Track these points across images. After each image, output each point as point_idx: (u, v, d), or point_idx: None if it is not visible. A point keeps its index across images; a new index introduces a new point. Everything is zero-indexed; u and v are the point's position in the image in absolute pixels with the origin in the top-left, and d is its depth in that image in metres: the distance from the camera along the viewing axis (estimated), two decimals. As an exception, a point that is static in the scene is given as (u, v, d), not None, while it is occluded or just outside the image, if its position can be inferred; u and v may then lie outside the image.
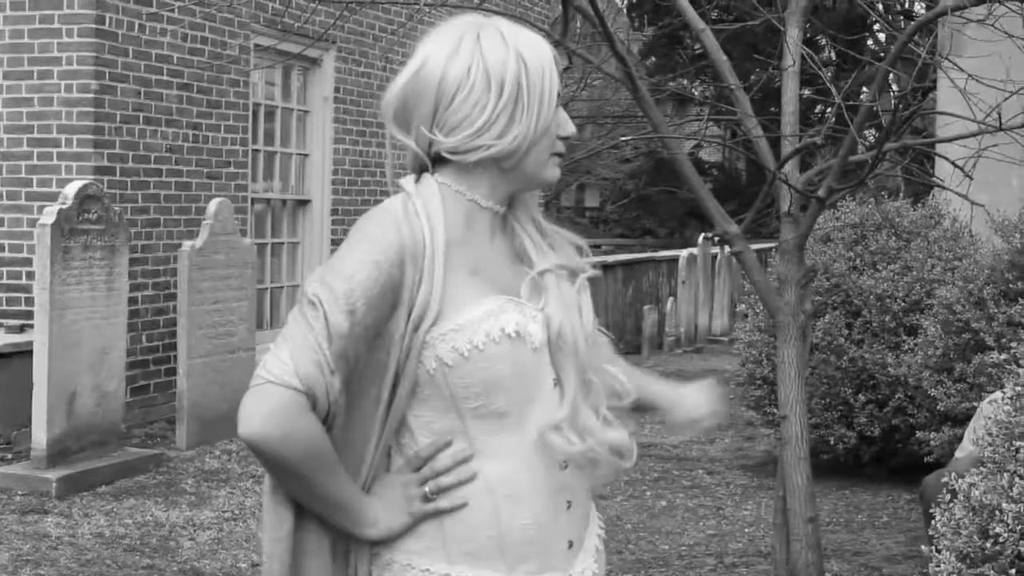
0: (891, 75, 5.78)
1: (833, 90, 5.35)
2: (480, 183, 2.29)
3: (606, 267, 16.95)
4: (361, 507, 2.23)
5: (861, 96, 16.16)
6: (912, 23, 4.96)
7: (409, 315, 2.20)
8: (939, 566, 3.19)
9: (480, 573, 2.25)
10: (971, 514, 3.18)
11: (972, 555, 3.12)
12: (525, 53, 2.27)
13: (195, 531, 7.02)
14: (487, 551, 2.25)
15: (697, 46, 22.72)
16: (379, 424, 2.24)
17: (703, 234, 18.13)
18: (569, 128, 2.32)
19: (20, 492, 7.63)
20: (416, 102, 2.29)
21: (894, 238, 8.72)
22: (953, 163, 5.56)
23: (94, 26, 9.41)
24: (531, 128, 2.25)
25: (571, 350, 2.28)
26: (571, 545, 2.32)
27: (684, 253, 17.62)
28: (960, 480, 3.39)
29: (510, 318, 2.23)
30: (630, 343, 17.06)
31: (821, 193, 5.33)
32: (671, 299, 17.04)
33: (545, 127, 2.27)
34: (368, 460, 2.25)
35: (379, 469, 2.27)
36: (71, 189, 8.03)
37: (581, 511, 2.35)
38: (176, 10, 9.91)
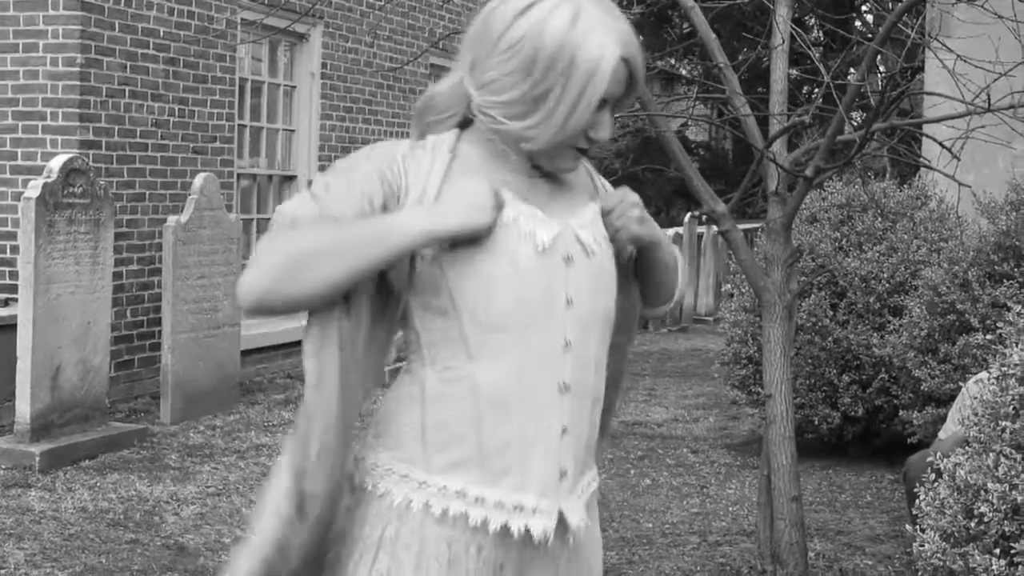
0: (879, 56, 5.78)
1: (822, 69, 5.34)
2: (508, 140, 2.29)
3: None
4: (384, 221, 2.21)
5: (849, 76, 16.16)
6: (901, 3, 4.95)
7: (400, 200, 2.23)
8: (923, 545, 3.20)
9: (459, 483, 2.23)
10: (956, 494, 3.19)
11: (956, 534, 3.13)
12: (580, 53, 2.19)
13: (179, 506, 7.01)
14: (467, 460, 2.22)
15: (685, 24, 22.68)
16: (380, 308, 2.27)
17: (689, 213, 18.13)
18: (603, 133, 2.26)
19: (3, 466, 7.61)
20: (476, 41, 2.27)
21: (880, 219, 8.73)
22: (941, 144, 5.56)
23: (80, -1, 9.36)
24: (551, 128, 2.22)
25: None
26: (564, 475, 2.26)
27: (670, 232, 17.61)
28: (945, 460, 3.40)
29: (509, 212, 2.23)
30: (615, 322, 17.08)
31: (808, 173, 5.33)
32: (657, 278, 17.02)
33: (570, 131, 2.23)
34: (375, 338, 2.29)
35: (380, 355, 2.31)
36: (56, 163, 8.00)
37: (577, 444, 2.29)
38: (163, -17, 9.86)
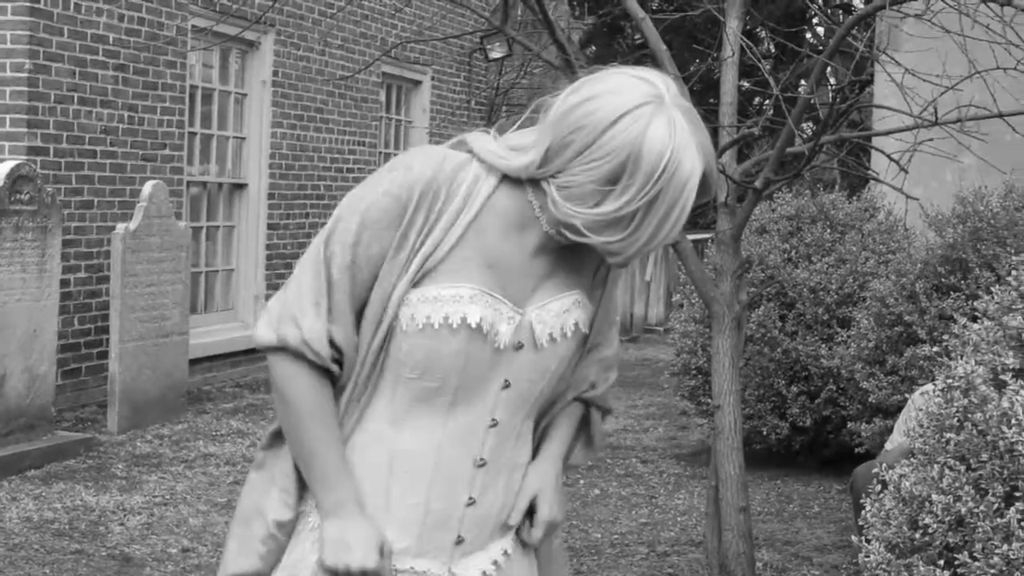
0: (829, 68, 5.81)
1: (771, 81, 5.37)
2: (552, 222, 2.24)
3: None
4: (334, 482, 2.25)
5: (799, 88, 16.25)
6: (850, 17, 4.98)
7: (408, 262, 2.22)
8: (868, 556, 3.21)
9: None
10: (901, 505, 3.20)
11: (901, 545, 3.14)
12: (678, 170, 2.13)
13: (125, 516, 6.96)
14: (377, 519, 2.27)
15: (637, 36, 22.75)
16: (370, 367, 2.27)
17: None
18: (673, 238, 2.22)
19: (-53, 475, 7.54)
20: (561, 129, 2.20)
21: (829, 230, 8.78)
22: (889, 156, 5.60)
23: (29, 4, 9.28)
24: (637, 244, 2.18)
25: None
26: (460, 541, 2.29)
27: (621, 242, 17.65)
28: (891, 471, 3.41)
29: (476, 310, 2.21)
30: (566, 332, 17.09)
31: (758, 184, 5.36)
32: (607, 288, 17.06)
33: (655, 247, 2.20)
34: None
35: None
36: (3, 169, 7.93)
37: (485, 513, 2.32)
38: (112, -10, 9.80)
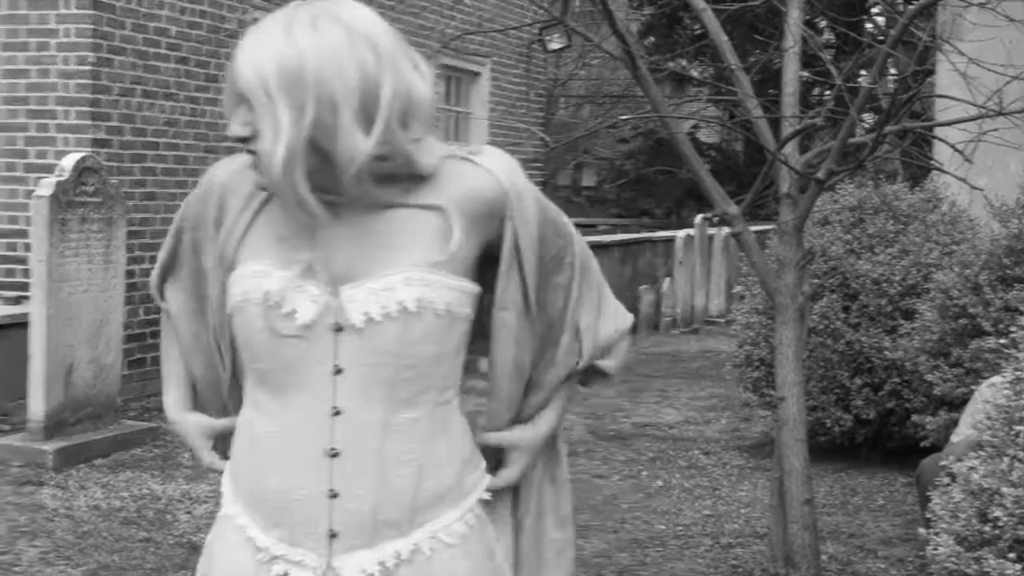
0: (891, 58, 5.77)
1: (834, 72, 5.34)
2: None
3: (603, 246, 16.95)
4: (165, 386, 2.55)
5: (859, 79, 16.14)
6: (913, 6, 4.95)
7: (217, 251, 2.32)
8: (937, 549, 3.20)
9: (246, 520, 2.31)
10: (970, 497, 3.19)
11: (970, 538, 3.13)
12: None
13: (191, 504, 7.02)
14: (250, 502, 2.30)
15: (696, 26, 22.67)
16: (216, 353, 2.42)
17: (701, 215, 18.12)
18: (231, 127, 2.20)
19: (16, 463, 7.63)
20: None
21: (892, 221, 8.71)
22: (953, 147, 5.56)
23: (93, -2, 9.38)
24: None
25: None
26: (334, 534, 2.23)
27: (681, 234, 17.61)
28: (959, 464, 3.40)
29: (269, 285, 2.20)
30: (626, 323, 17.05)
31: (821, 175, 5.33)
32: (668, 280, 17.04)
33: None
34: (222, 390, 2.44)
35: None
36: (68, 161, 8.02)
37: (359, 508, 2.23)
38: (176, -17, 9.88)
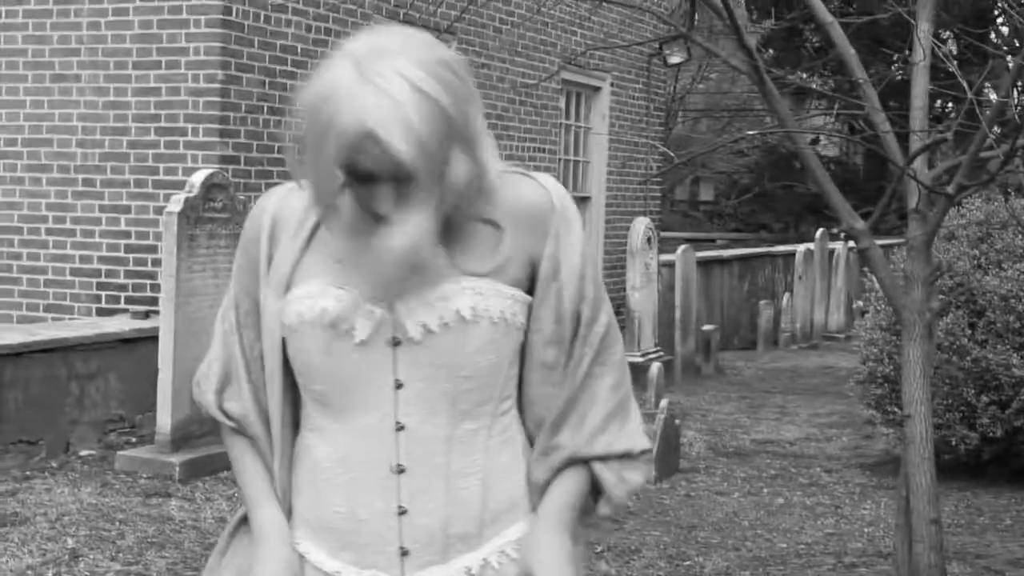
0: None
1: (965, 85, 5.27)
2: None
3: (722, 261, 16.87)
4: (253, 510, 2.34)
5: (985, 91, 15.89)
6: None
7: (270, 282, 2.27)
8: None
9: (310, 546, 2.28)
10: (1108, 519, 3.13)
11: (1108, 561, 3.07)
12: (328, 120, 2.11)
13: (315, 517, 7.10)
14: (315, 528, 2.27)
15: (816, 38, 22.47)
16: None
17: (821, 229, 17.96)
18: (382, 208, 2.10)
19: (145, 475, 7.77)
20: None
21: (1020, 236, 8.57)
22: (1086, 161, 5.46)
23: (221, 17, 9.54)
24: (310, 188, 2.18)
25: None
26: (405, 552, 2.22)
27: (801, 248, 17.47)
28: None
29: (325, 303, 2.18)
30: (745, 338, 16.96)
31: (950, 190, 5.26)
32: (787, 295, 16.90)
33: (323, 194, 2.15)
34: (277, 433, 2.33)
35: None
36: (197, 178, 8.16)
37: (428, 524, 2.22)
38: (301, 1, 10.02)
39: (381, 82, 2.04)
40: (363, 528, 2.22)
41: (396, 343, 2.19)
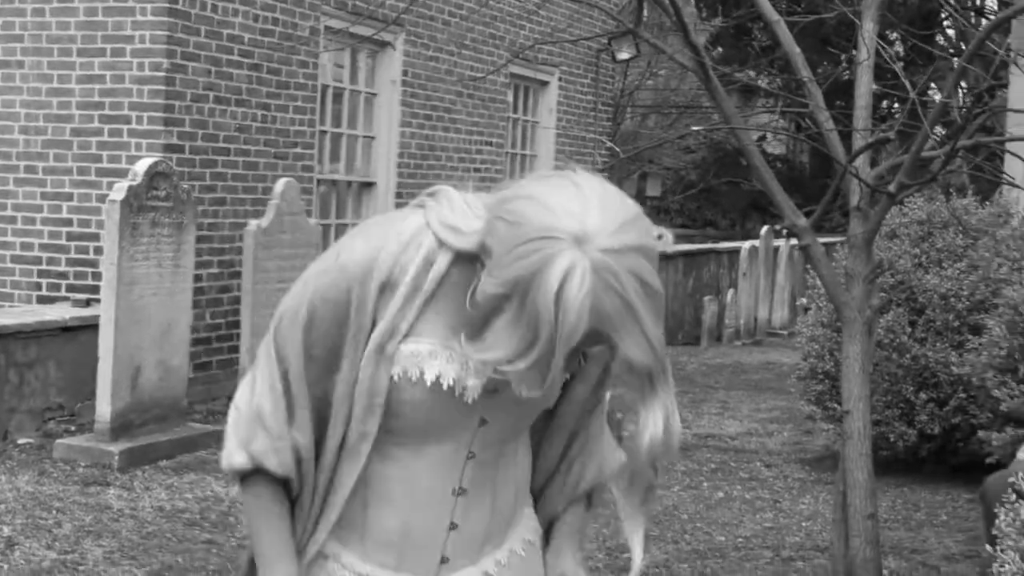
0: (963, 71, 5.74)
1: (908, 85, 5.31)
2: None
3: (667, 257, 16.92)
4: (268, 567, 2.26)
5: (929, 92, 16.03)
6: (987, 20, 4.92)
7: (370, 332, 2.18)
8: (1003, 566, 3.17)
9: (338, 548, 2.28)
10: (1038, 515, 3.16)
11: (1038, 556, 3.10)
12: (561, 319, 1.99)
13: (255, 508, 7.07)
14: (350, 532, 2.27)
15: (765, 38, 22.59)
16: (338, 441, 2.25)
17: (766, 226, 18.06)
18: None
19: (83, 464, 7.72)
20: (496, 230, 2.07)
21: (961, 236, 8.65)
22: (1025, 162, 5.52)
23: (167, 5, 9.48)
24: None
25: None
26: (445, 560, 2.29)
27: (746, 245, 17.56)
28: (1027, 481, 3.37)
29: (435, 364, 2.18)
30: (689, 334, 17.03)
31: (892, 189, 5.31)
32: (731, 291, 16.99)
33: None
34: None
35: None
36: (141, 166, 8.11)
37: (470, 535, 2.30)
38: (248, -10, 9.98)
39: (615, 283, 1.96)
40: (409, 540, 2.27)
41: (493, 391, 2.21)
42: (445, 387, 2.18)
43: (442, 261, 2.17)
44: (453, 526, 2.28)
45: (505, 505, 2.34)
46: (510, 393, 2.15)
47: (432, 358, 2.18)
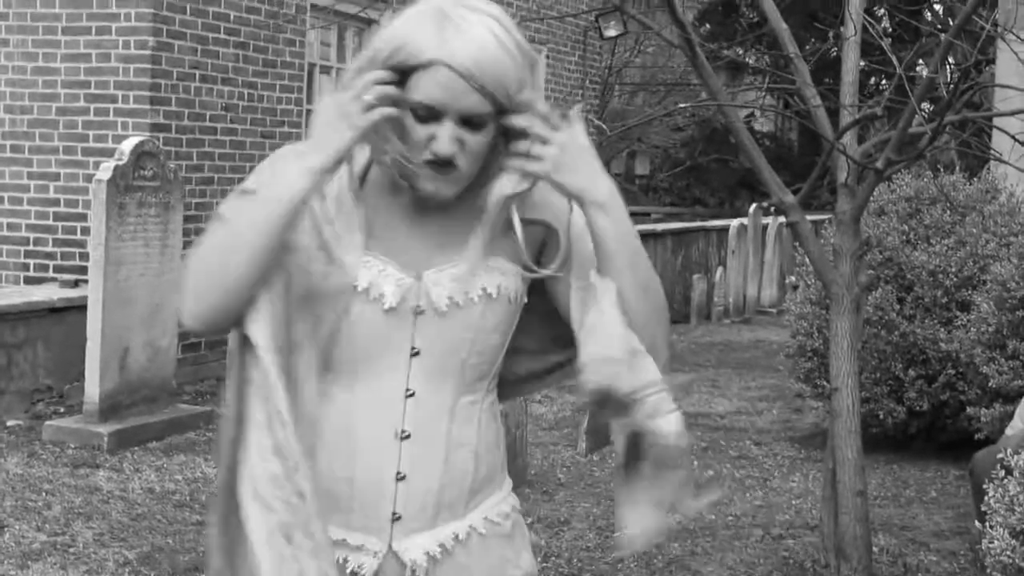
0: (950, 47, 5.73)
1: (895, 61, 5.30)
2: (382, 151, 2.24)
3: (656, 235, 16.91)
4: (275, 201, 2.17)
5: (917, 68, 16.02)
6: (976, -5, 4.90)
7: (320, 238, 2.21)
8: (992, 542, 3.18)
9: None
10: (1026, 491, 3.17)
11: (1026, 532, 3.11)
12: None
13: (244, 488, 7.06)
14: (313, 495, 2.21)
15: (753, 13, 22.55)
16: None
17: (755, 204, 18.06)
18: (439, 147, 2.14)
19: (72, 445, 7.71)
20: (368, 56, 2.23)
21: (949, 212, 8.64)
22: (1013, 137, 5.51)
23: (152, -17, 9.44)
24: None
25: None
26: (397, 517, 2.25)
27: (735, 223, 17.55)
28: (1015, 456, 3.38)
29: (363, 277, 2.21)
30: (678, 312, 17.02)
31: (879, 165, 5.30)
32: (720, 269, 16.98)
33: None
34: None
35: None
36: (127, 145, 8.08)
37: (425, 490, 2.25)
38: (234, -31, 9.94)
39: (465, 25, 2.13)
40: (359, 492, 2.24)
41: (419, 312, 2.24)
42: (359, 289, 2.19)
43: (360, 161, 2.26)
44: (400, 476, 2.24)
45: (464, 466, 2.29)
46: (440, 320, 2.22)
47: (382, 280, 2.21)
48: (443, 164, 2.16)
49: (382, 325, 2.23)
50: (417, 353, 2.24)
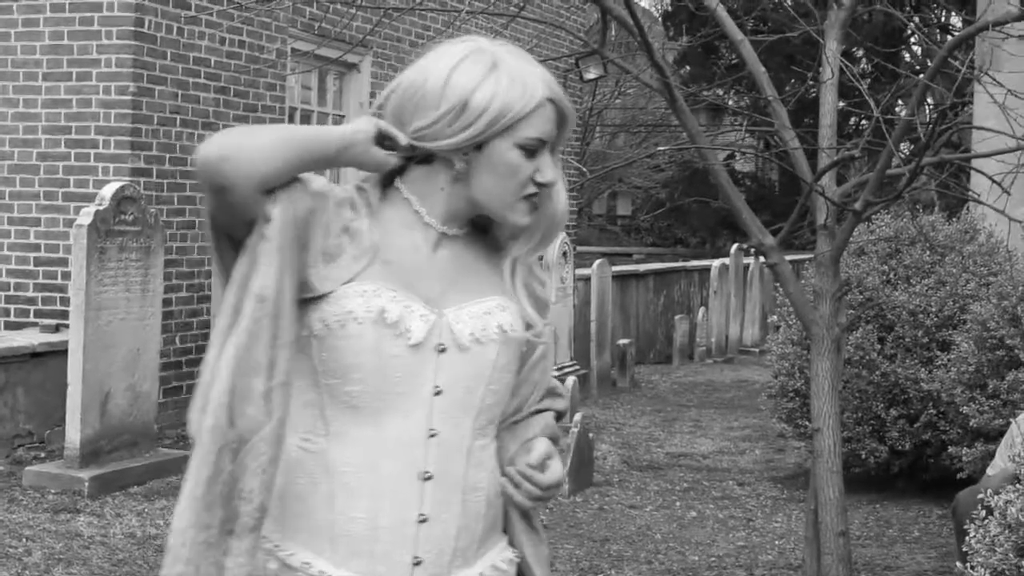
0: (928, 89, 5.78)
1: (872, 103, 5.34)
2: (434, 199, 2.27)
3: (638, 276, 16.95)
4: (326, 130, 2.25)
5: (896, 109, 16.12)
6: (951, 37, 4.95)
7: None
8: (973, 583, 3.18)
9: (309, 557, 2.21)
10: (1007, 531, 3.18)
11: (1007, 572, 3.12)
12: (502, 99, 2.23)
13: (226, 533, 7.03)
14: (319, 537, 2.21)
15: (732, 56, 22.67)
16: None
17: (736, 244, 18.11)
18: (547, 175, 2.25)
19: (53, 491, 7.67)
20: (408, 101, 2.31)
21: (928, 252, 8.69)
22: (991, 178, 5.55)
23: (133, 28, 9.46)
24: (464, 139, 2.21)
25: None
26: (417, 562, 2.22)
27: (716, 263, 17.60)
28: (996, 497, 3.38)
29: (383, 304, 2.20)
30: (660, 352, 17.04)
31: (858, 206, 5.33)
32: (702, 309, 17.02)
33: (480, 141, 2.22)
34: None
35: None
36: (108, 190, 8.08)
37: (443, 533, 2.24)
38: (214, 13, 9.96)
39: (531, 59, 2.31)
40: (381, 535, 2.21)
41: (442, 350, 2.24)
42: (388, 322, 2.18)
43: (374, 198, 2.29)
44: (422, 518, 2.22)
45: (477, 511, 2.29)
46: (461, 357, 2.23)
47: (376, 296, 2.21)
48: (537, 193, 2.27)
49: (408, 361, 2.21)
50: (439, 392, 2.23)
